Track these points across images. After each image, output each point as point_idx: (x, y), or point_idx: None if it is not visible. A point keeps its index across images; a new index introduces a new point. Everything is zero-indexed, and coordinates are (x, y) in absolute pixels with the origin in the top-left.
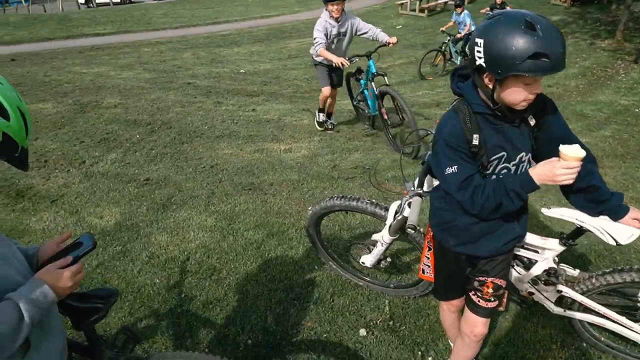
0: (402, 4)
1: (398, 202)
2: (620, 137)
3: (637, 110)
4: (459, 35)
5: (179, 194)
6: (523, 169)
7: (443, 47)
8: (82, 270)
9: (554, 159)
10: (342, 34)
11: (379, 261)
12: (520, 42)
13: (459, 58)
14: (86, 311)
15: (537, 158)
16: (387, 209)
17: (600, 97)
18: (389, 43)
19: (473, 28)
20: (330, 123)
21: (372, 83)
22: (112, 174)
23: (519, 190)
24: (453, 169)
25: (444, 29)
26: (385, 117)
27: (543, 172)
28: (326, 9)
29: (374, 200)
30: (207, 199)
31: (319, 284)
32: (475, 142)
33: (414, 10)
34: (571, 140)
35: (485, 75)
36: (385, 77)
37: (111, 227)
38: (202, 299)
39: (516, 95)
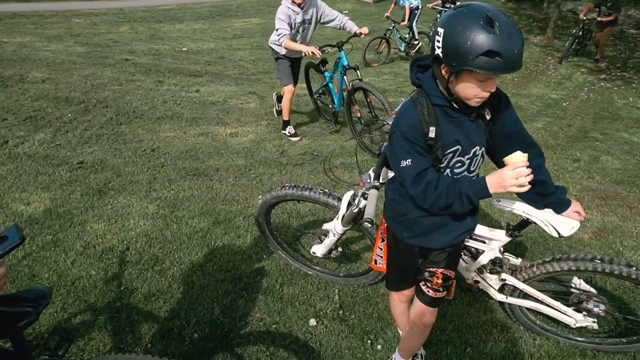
0: None
1: (351, 193)
2: (551, 129)
3: (565, 104)
4: (403, 23)
5: (117, 178)
6: (476, 163)
7: (387, 34)
8: (6, 274)
9: (503, 168)
10: (307, 22)
11: (330, 251)
12: (476, 38)
13: (403, 45)
14: (14, 316)
15: (490, 152)
16: (340, 199)
17: (533, 91)
18: (361, 34)
19: (416, 8)
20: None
21: (345, 77)
22: (40, 156)
23: (472, 195)
24: (407, 162)
25: (388, 14)
26: (359, 114)
27: (495, 180)
28: None
29: (326, 190)
30: (148, 185)
31: (268, 273)
32: (432, 134)
33: None
34: (523, 136)
35: (442, 66)
36: (358, 71)
37: (40, 214)
38: (144, 291)
39: (469, 91)
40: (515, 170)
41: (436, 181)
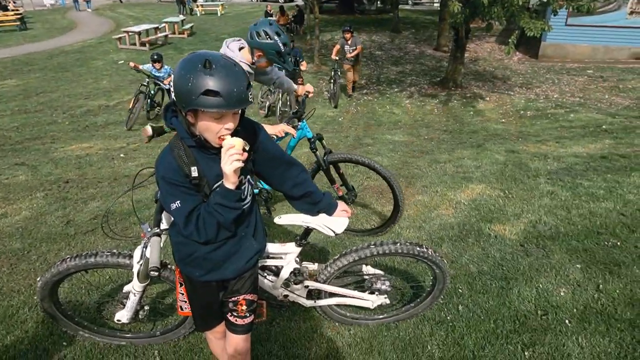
0: (120, 38)
1: (141, 246)
2: (333, 142)
3: (340, 119)
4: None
5: None
6: (246, 190)
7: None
8: None
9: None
10: None
11: (136, 313)
12: (195, 79)
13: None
14: None
15: (265, 178)
16: (131, 256)
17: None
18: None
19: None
20: None
21: (317, 152)
22: None
23: (220, 200)
24: (177, 204)
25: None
26: (341, 193)
27: (224, 172)
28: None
29: (114, 251)
30: None
31: None
32: (195, 174)
33: (134, 43)
34: (284, 156)
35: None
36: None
37: None
38: None
39: (210, 128)
40: (226, 153)
41: (201, 213)
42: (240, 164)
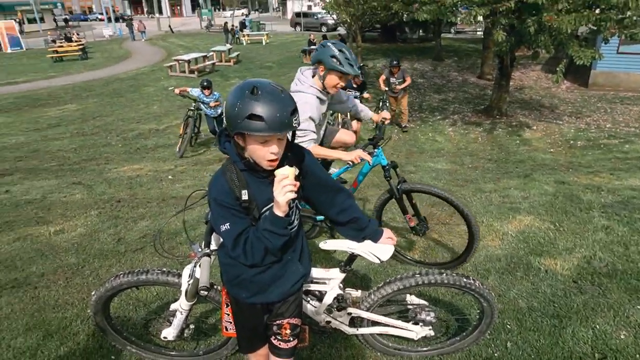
0: (171, 66)
1: (190, 266)
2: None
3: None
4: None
5: None
6: (294, 215)
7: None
8: None
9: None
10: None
11: (182, 331)
12: (242, 104)
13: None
14: None
15: (313, 203)
16: (180, 275)
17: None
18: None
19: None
20: None
21: (391, 180)
22: None
23: (269, 227)
24: (226, 226)
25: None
26: (412, 223)
27: (275, 200)
28: (323, 76)
29: (164, 269)
30: None
31: None
32: (245, 197)
33: (184, 71)
34: (332, 182)
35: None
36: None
37: None
38: None
39: (257, 152)
40: (279, 184)
41: (249, 237)
42: (294, 195)
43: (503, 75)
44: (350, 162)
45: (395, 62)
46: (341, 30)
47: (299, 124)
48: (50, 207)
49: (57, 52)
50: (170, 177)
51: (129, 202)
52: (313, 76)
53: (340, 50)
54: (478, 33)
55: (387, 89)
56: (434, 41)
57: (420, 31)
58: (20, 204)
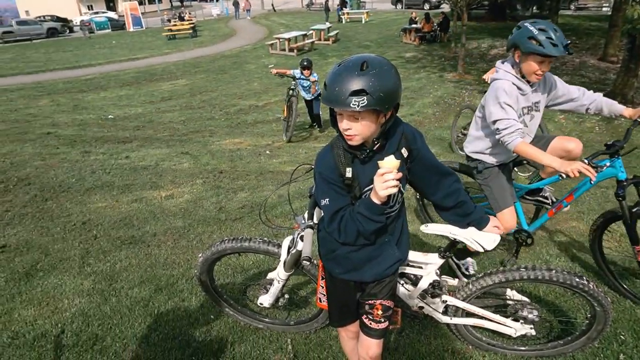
0: (272, 44)
1: (290, 237)
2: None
3: None
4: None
5: (45, 258)
6: (395, 198)
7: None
8: None
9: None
10: (535, 106)
11: (277, 299)
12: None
13: None
14: None
15: (418, 187)
16: (280, 246)
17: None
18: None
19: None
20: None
21: (624, 202)
22: None
23: (364, 212)
24: (326, 201)
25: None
26: None
27: (373, 190)
28: (519, 63)
29: (266, 239)
30: (80, 260)
31: (217, 333)
32: (349, 174)
33: (284, 49)
34: (440, 166)
35: None
36: None
37: None
38: None
39: (339, 125)
40: (382, 177)
41: (346, 215)
42: (395, 190)
43: (632, 57)
44: (563, 175)
45: None
46: (445, 7)
47: (359, 106)
48: (162, 173)
49: (171, 30)
50: (267, 152)
51: (230, 173)
52: (513, 66)
53: (540, 30)
54: (604, 9)
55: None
56: (550, 19)
57: (535, 7)
58: (137, 169)
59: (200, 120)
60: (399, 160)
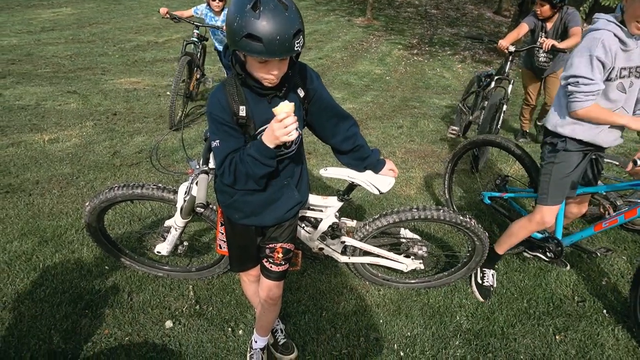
0: None
1: (187, 183)
2: (378, 101)
3: (387, 77)
4: None
5: None
6: (295, 141)
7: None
8: None
9: (272, 120)
10: (637, 71)
11: (175, 247)
12: (240, 20)
13: None
14: None
15: (316, 130)
16: (175, 192)
17: (360, 68)
18: None
19: None
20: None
21: None
22: None
23: (254, 154)
24: (217, 142)
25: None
26: None
27: (268, 134)
28: (624, 8)
29: (160, 185)
30: None
31: (113, 285)
32: (242, 113)
33: None
34: (337, 109)
35: None
36: None
37: None
38: None
39: (255, 71)
40: (281, 122)
41: (236, 157)
42: (295, 135)
43: (522, 13)
44: None
45: None
46: None
47: (302, 47)
48: (45, 114)
49: None
50: (168, 93)
51: (126, 115)
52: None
53: None
54: None
55: (513, 49)
56: None
57: None
58: (13, 109)
59: (90, 56)
60: (293, 103)
